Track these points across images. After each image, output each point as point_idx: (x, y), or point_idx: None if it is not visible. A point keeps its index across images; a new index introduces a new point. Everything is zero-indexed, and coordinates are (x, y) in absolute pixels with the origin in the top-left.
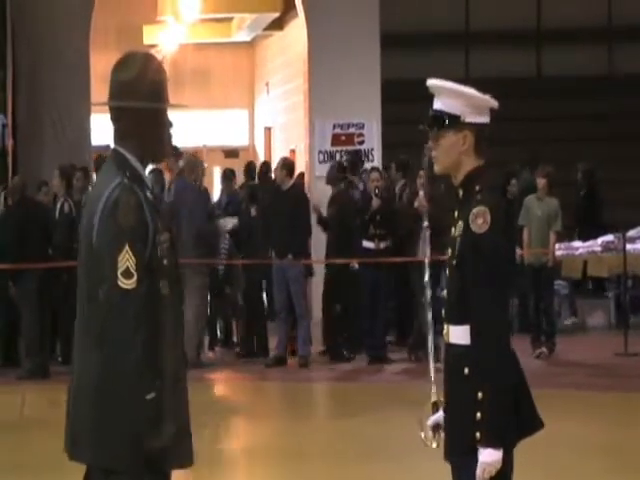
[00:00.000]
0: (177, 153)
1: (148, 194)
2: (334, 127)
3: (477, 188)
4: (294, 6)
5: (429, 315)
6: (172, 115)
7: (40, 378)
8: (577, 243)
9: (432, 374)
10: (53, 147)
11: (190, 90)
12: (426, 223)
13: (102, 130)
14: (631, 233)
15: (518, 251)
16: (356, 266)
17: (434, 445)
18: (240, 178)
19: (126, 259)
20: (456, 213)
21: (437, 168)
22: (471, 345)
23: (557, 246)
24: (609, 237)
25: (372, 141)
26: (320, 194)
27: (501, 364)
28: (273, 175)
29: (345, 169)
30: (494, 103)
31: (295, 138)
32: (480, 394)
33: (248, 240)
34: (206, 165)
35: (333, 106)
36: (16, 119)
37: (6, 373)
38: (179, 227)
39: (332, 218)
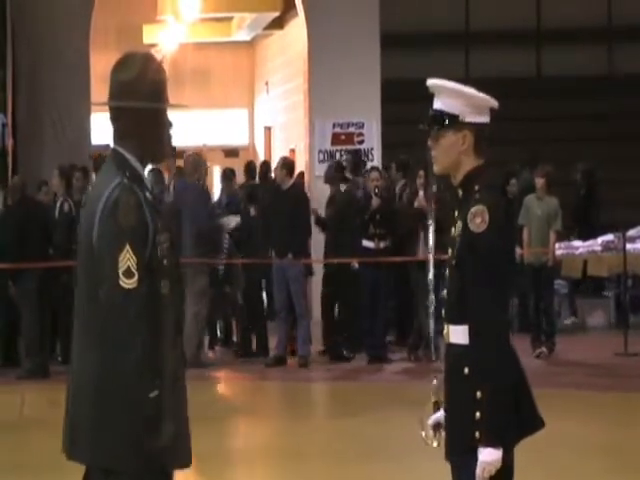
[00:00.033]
0: (175, 153)
1: (147, 194)
2: (334, 126)
3: (476, 188)
4: (294, 5)
5: (431, 312)
6: (172, 115)
7: (40, 378)
8: (577, 243)
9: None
10: (53, 147)
11: (190, 89)
12: (430, 221)
13: (102, 130)
14: (631, 233)
15: (518, 250)
16: (356, 265)
17: (435, 444)
18: (240, 178)
19: (127, 259)
20: (456, 213)
21: (436, 168)
22: (470, 345)
23: (557, 246)
24: (609, 237)
25: (372, 141)
26: (320, 193)
27: (500, 364)
28: (273, 175)
29: (343, 169)
30: (494, 103)
31: (295, 137)
32: (479, 393)
33: (248, 240)
34: (209, 165)
35: (333, 105)
36: (16, 119)
37: (6, 373)
38: (181, 227)
39: (330, 218)
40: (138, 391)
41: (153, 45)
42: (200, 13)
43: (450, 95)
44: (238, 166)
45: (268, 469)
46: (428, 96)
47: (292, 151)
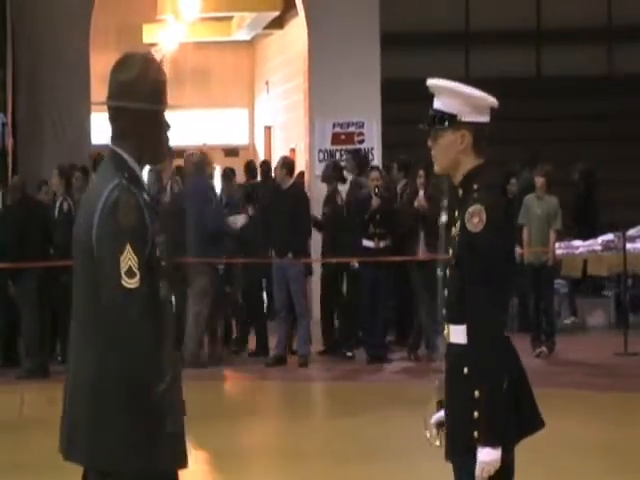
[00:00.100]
0: (173, 154)
1: (145, 196)
2: (334, 126)
3: (475, 187)
4: (294, 5)
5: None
6: (171, 114)
7: (40, 378)
8: (577, 242)
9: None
10: (53, 147)
11: (190, 89)
12: (444, 218)
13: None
14: (631, 232)
15: (518, 250)
16: (356, 265)
17: (437, 443)
18: (240, 177)
19: (128, 258)
20: (456, 212)
21: (436, 168)
22: (468, 344)
23: (557, 245)
24: (609, 236)
25: (372, 140)
26: (320, 193)
27: (498, 363)
28: (273, 174)
29: (341, 169)
30: (494, 102)
31: (295, 137)
32: (477, 393)
33: (247, 239)
34: (215, 166)
35: (333, 105)
36: (16, 119)
37: (6, 373)
38: (188, 226)
39: (327, 217)
40: (139, 391)
41: (153, 45)
42: (200, 12)
43: (449, 95)
44: (238, 166)
45: (268, 469)
46: (428, 96)
47: (292, 151)
